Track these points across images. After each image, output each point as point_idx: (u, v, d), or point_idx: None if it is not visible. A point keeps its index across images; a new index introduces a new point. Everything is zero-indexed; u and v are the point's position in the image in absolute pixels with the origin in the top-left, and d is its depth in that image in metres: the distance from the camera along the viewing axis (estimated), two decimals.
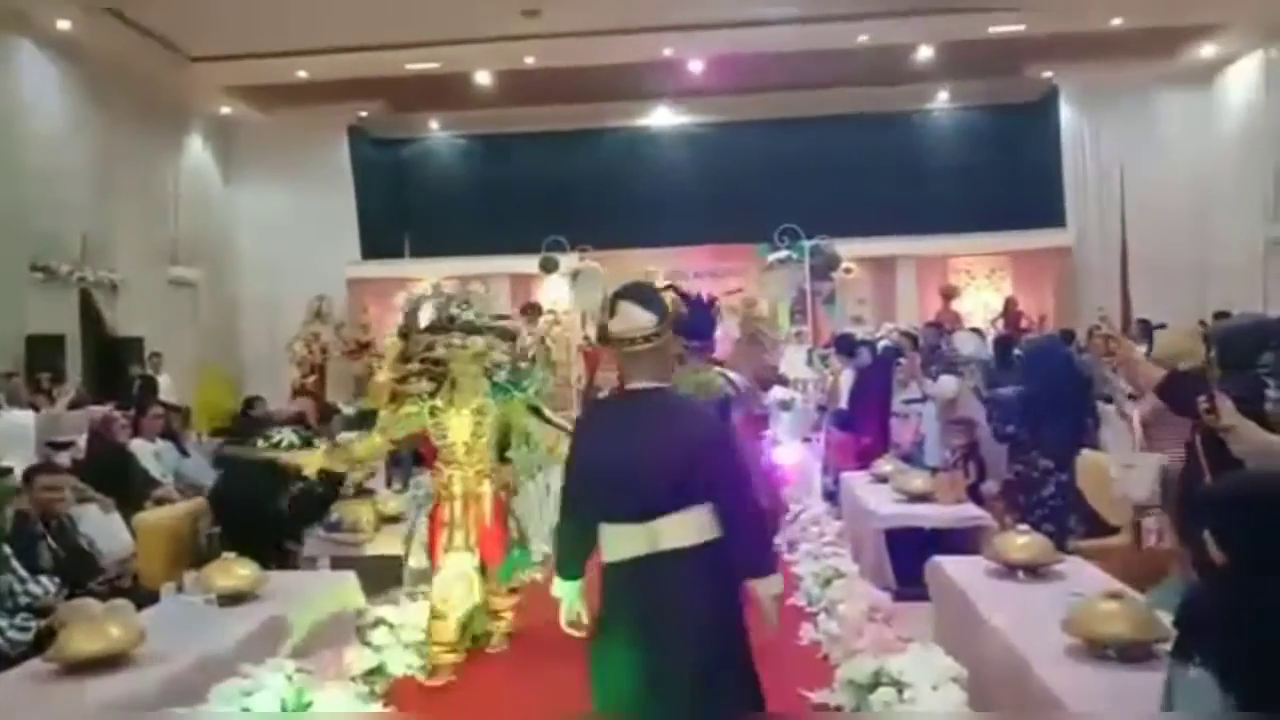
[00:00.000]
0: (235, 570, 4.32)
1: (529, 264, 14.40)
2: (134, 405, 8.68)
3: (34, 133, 11.37)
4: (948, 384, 7.72)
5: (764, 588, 2.82)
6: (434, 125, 17.30)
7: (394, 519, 6.36)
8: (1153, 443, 5.20)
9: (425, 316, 4.81)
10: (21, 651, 4.06)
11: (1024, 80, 15.47)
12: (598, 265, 13.37)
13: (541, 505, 7.58)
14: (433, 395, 4.63)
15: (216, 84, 14.48)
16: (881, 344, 9.29)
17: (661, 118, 17.05)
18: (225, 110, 15.60)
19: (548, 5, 11.83)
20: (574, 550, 2.94)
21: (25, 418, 7.76)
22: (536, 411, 4.71)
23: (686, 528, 2.70)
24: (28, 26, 11.24)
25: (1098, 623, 3.22)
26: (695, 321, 5.02)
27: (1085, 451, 6.03)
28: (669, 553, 2.68)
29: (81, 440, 7.80)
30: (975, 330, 10.80)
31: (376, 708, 3.95)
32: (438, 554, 4.58)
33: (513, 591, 4.83)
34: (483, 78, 14.88)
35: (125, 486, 6.87)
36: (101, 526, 5.96)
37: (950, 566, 4.48)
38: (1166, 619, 2.78)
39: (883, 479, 6.69)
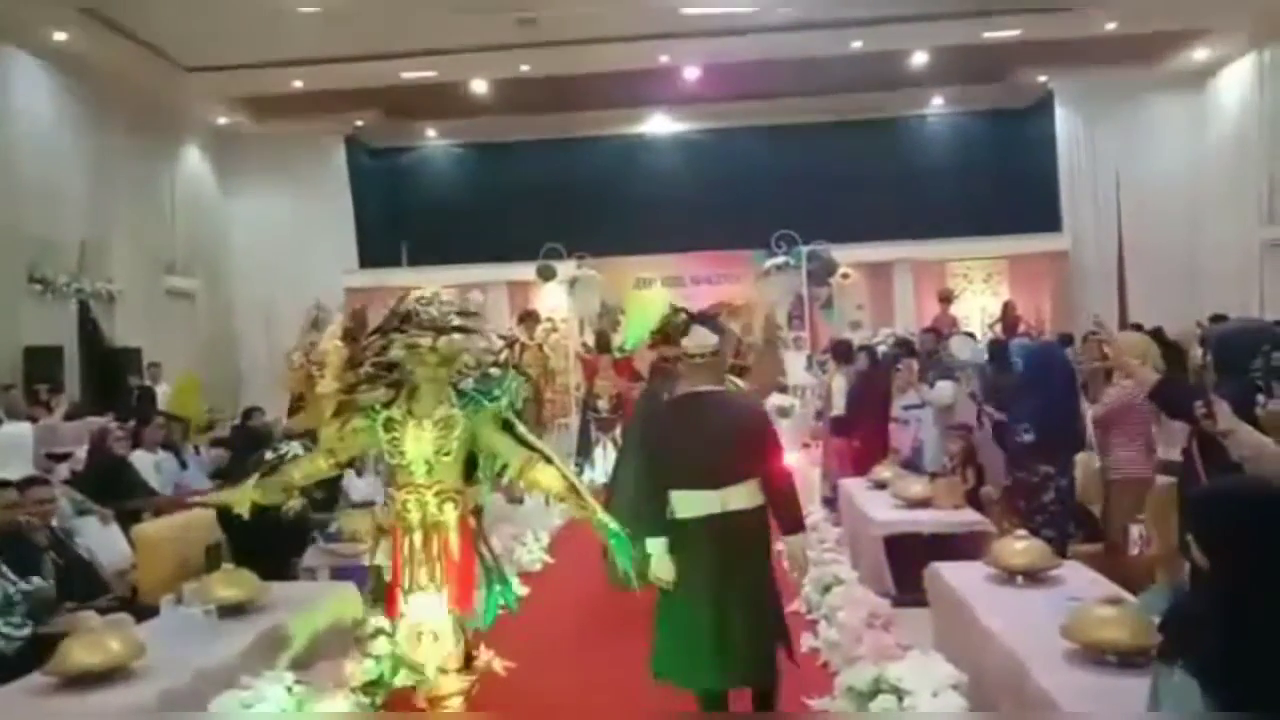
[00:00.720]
0: (234, 581, 4.33)
1: (526, 272, 14.41)
2: (133, 416, 8.67)
3: (31, 144, 11.36)
4: (945, 389, 7.73)
5: (796, 543, 3.77)
6: (431, 134, 17.31)
7: None
8: (1105, 443, 5.75)
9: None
10: (18, 649, 4.08)
11: (1019, 85, 15.50)
12: (595, 272, 13.38)
13: (543, 513, 7.56)
14: (386, 406, 3.94)
15: (213, 94, 14.50)
16: (881, 349, 9.30)
17: (658, 125, 17.09)
18: (222, 120, 15.62)
19: (543, 13, 11.84)
20: (660, 514, 3.65)
21: (23, 429, 7.76)
22: (508, 427, 3.98)
23: (746, 494, 3.61)
24: (24, 38, 11.23)
25: (1097, 628, 3.22)
26: None
27: (1083, 455, 6.03)
28: (734, 512, 3.58)
29: (80, 451, 7.81)
30: (969, 334, 10.79)
31: None
32: (395, 600, 3.88)
33: (469, 662, 3.91)
34: (479, 86, 14.92)
35: (124, 498, 6.87)
36: (100, 538, 5.96)
37: (949, 572, 4.49)
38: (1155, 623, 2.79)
39: (881, 485, 6.70)
